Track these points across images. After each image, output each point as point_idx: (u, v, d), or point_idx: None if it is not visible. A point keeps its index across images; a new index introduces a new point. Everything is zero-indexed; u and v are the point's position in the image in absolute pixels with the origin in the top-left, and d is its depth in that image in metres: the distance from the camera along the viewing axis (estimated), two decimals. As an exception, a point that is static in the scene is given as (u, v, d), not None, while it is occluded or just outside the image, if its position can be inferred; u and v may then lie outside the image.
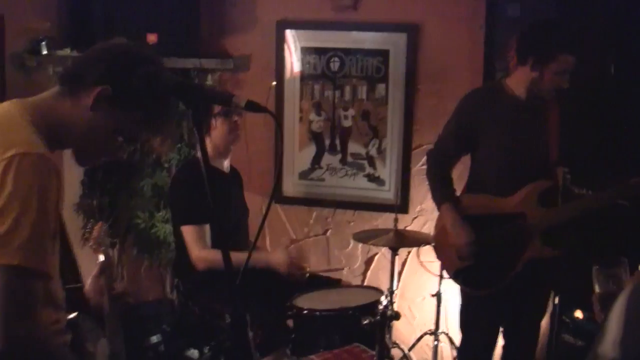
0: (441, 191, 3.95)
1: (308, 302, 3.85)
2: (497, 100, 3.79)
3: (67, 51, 4.55)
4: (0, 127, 1.99)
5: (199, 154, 4.22)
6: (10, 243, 1.83)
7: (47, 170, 1.91)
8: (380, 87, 4.95)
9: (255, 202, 4.64)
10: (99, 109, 2.08)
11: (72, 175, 5.15)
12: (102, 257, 2.83)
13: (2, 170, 1.86)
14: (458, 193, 3.98)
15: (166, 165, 5.17)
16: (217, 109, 4.04)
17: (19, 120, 2.00)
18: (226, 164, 4.31)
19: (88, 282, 2.75)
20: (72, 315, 2.38)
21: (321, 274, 4.55)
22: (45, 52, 4.40)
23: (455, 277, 3.97)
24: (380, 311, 3.20)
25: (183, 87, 2.02)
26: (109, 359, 2.49)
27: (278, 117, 5.11)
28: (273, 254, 4.13)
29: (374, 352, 3.33)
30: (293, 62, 5.09)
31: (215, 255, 3.92)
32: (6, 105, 2.09)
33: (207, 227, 4.01)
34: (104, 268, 2.78)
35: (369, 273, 5.17)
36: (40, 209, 1.87)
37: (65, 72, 2.16)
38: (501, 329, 4.05)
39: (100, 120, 2.10)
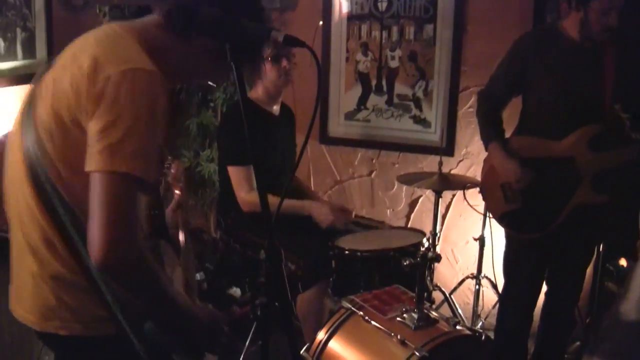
0: (490, 130, 3.88)
1: (350, 242, 3.86)
2: (550, 43, 3.69)
3: (118, -11, 4.54)
4: (110, 44, 2.00)
5: (250, 94, 4.25)
6: (121, 151, 1.84)
7: (160, 88, 1.93)
8: (428, 28, 4.86)
9: (300, 141, 4.62)
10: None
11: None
12: (178, 192, 2.85)
13: (117, 82, 1.87)
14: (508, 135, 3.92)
15: (212, 104, 5.16)
16: (266, 52, 4.00)
17: (128, 39, 2.02)
18: (276, 107, 4.29)
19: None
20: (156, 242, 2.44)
21: (365, 216, 4.53)
22: (91, -11, 4.40)
23: (501, 220, 3.92)
24: (422, 253, 3.16)
25: (220, 22, 1.95)
26: (184, 288, 2.50)
27: (324, 57, 5.08)
28: (317, 208, 4.10)
29: (413, 294, 3.32)
30: (340, 1, 5.01)
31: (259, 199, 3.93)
32: (109, 26, 2.10)
33: (252, 168, 3.98)
34: (181, 203, 2.82)
35: (412, 215, 5.15)
36: (151, 121, 1.89)
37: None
38: (545, 275, 4.00)
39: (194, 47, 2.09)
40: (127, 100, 1.87)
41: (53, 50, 4.29)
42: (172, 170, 2.93)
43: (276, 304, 2.03)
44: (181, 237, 2.69)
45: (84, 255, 1.94)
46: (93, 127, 1.88)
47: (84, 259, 1.96)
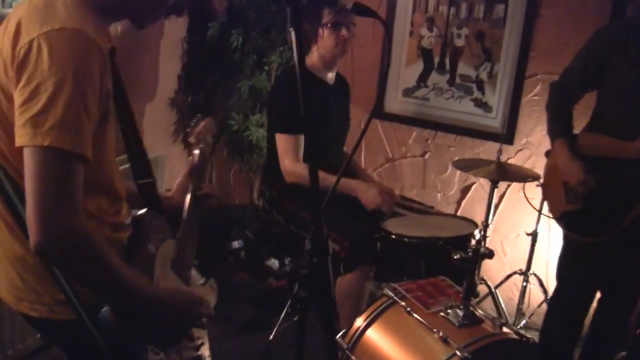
0: (558, 125, 3.67)
1: (398, 226, 3.70)
2: (632, 38, 3.46)
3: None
4: (37, 3, 1.87)
5: (307, 59, 4.09)
6: (43, 124, 1.72)
7: (86, 46, 1.79)
8: (499, 8, 4.62)
9: (354, 115, 4.45)
10: None
11: (169, 69, 5.08)
12: (197, 152, 2.67)
13: (37, 47, 1.75)
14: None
15: (266, 67, 5.01)
16: (325, 18, 3.84)
17: None
18: (331, 76, 4.11)
19: (177, 180, 2.65)
20: (140, 212, 2.27)
21: (415, 198, 4.36)
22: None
23: (559, 219, 3.72)
24: (473, 247, 2.98)
25: None
26: (172, 264, 2.32)
27: (388, 29, 4.88)
28: (364, 190, 3.91)
29: (460, 288, 3.15)
30: (409, -29, 4.81)
31: (306, 172, 3.78)
32: None
33: (301, 137, 3.85)
34: (197, 166, 2.64)
35: (463, 202, 4.96)
36: (76, 88, 1.75)
37: None
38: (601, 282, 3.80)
39: None
40: (48, 65, 1.74)
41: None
42: (198, 128, 2.73)
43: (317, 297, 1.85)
44: (186, 205, 2.52)
45: None
46: (17, 99, 1.77)
47: None
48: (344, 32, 3.89)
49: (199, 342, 2.41)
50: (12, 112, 1.78)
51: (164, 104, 5.11)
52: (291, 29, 1.75)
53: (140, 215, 2.26)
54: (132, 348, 2.04)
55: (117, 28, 4.34)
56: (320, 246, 1.79)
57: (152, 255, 2.21)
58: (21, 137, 1.74)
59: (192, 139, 2.73)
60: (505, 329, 2.98)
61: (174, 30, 5.05)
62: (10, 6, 3.55)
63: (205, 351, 2.47)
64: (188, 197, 2.55)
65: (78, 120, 1.76)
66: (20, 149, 1.75)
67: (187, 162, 2.77)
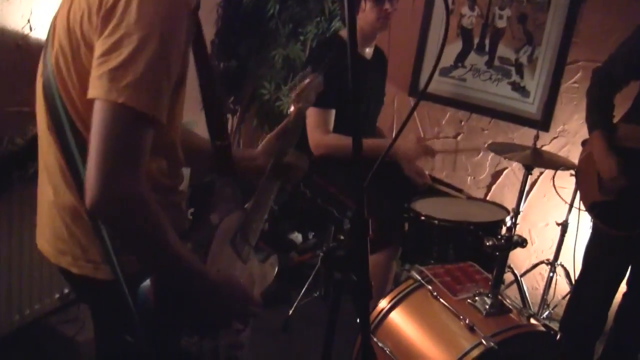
0: (597, 115, 3.57)
1: (427, 207, 3.62)
2: None
3: None
4: None
5: (342, 32, 4.00)
6: (121, 79, 1.62)
7: (177, 6, 1.70)
8: (545, -10, 4.51)
9: (389, 92, 4.36)
10: None
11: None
12: (292, 110, 2.47)
13: None
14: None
15: (302, 38, 4.92)
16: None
17: None
18: (369, 50, 4.01)
19: (266, 137, 2.51)
20: (212, 177, 2.17)
21: (444, 180, 4.28)
22: None
23: (590, 209, 3.64)
24: (506, 235, 2.90)
25: None
26: (232, 238, 2.16)
27: (427, 6, 4.80)
28: (400, 145, 3.84)
29: (488, 275, 3.07)
30: (454, -53, 4.70)
31: (335, 141, 3.72)
32: None
33: (333, 112, 3.77)
34: (289, 127, 2.46)
35: (494, 187, 4.87)
36: (161, 48, 1.65)
37: None
38: (627, 276, 3.72)
39: None
40: (135, 18, 1.64)
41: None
42: (304, 83, 2.54)
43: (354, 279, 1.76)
44: (266, 171, 2.34)
45: None
46: (98, 49, 1.67)
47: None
48: (387, 5, 3.78)
49: (241, 326, 2.23)
50: (90, 60, 1.69)
51: (194, 71, 5.03)
52: None
53: (210, 181, 2.15)
54: (164, 329, 1.93)
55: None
56: (361, 228, 1.70)
57: (213, 226, 2.07)
58: (95, 88, 1.64)
59: (293, 94, 2.52)
60: (532, 321, 2.90)
61: (209, -5, 4.98)
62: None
63: (244, 338, 2.30)
64: (271, 164, 2.37)
65: (157, 81, 1.67)
66: (92, 100, 1.66)
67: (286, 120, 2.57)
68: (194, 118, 4.82)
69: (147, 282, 1.85)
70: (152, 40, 1.64)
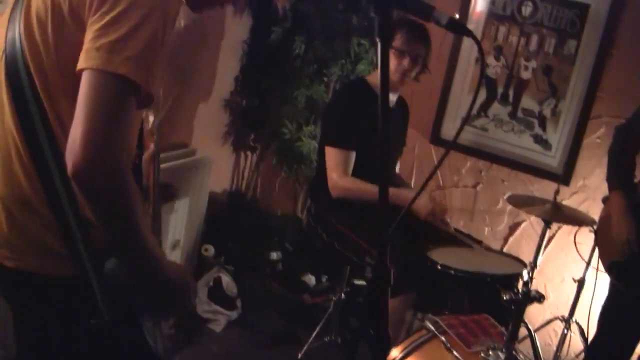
0: (618, 175, 3.55)
1: (444, 256, 3.58)
2: None
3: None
4: None
5: (368, 77, 4.00)
6: (120, 51, 1.65)
7: None
8: (571, 44, 4.49)
9: (410, 138, 4.36)
10: None
11: (227, 70, 5.02)
12: (152, 144, 2.56)
13: None
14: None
15: (325, 79, 4.93)
16: (396, 41, 3.74)
17: None
18: (392, 98, 4.00)
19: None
20: None
21: (462, 229, 4.24)
22: None
23: (609, 269, 3.59)
24: (523, 289, 2.86)
25: None
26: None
27: (452, 53, 4.80)
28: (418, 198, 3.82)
29: (503, 329, 3.03)
30: (482, -3, 4.70)
31: (353, 185, 3.70)
32: None
33: (353, 154, 3.75)
34: (155, 154, 2.52)
35: (511, 239, 4.83)
36: (160, 25, 1.71)
37: None
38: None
39: None
40: None
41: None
42: (147, 125, 2.63)
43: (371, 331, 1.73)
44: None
45: (53, 175, 1.75)
46: (96, 22, 1.69)
47: (53, 180, 1.76)
48: (405, 62, 3.78)
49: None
50: (75, 35, 1.72)
51: (217, 104, 5.05)
52: (378, 40, 1.63)
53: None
54: (133, 308, 1.93)
55: (180, 22, 4.30)
56: (383, 278, 1.67)
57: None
58: (93, 59, 1.65)
59: (145, 134, 2.65)
60: (547, 379, 2.85)
61: (236, 31, 5.00)
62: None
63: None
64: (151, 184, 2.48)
65: (152, 58, 1.70)
66: (70, 74, 1.68)
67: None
68: (213, 153, 4.84)
69: (113, 259, 1.84)
70: (153, 17, 1.68)
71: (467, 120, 1.64)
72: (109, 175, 1.63)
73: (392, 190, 3.70)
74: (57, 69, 1.75)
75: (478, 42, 1.68)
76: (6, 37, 1.84)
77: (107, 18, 1.67)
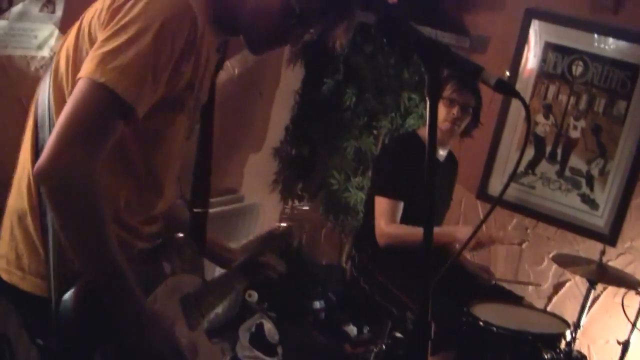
0: None
1: (486, 313, 3.57)
2: None
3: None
4: None
5: (420, 130, 4.06)
6: (108, 62, 1.70)
7: (181, 11, 1.79)
8: (621, 104, 4.49)
9: (456, 192, 4.39)
10: None
11: (278, 119, 5.11)
12: (284, 225, 2.66)
13: None
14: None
15: (375, 131, 4.99)
16: (446, 91, 3.80)
17: None
18: (442, 152, 4.06)
19: (247, 240, 2.60)
20: (179, 235, 2.21)
21: (505, 285, 4.23)
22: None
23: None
24: (565, 349, 2.85)
25: (428, 43, 1.70)
26: (184, 298, 2.14)
27: (502, 110, 4.83)
28: (461, 228, 3.87)
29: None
30: (532, 55, 4.73)
31: (399, 230, 3.75)
32: None
33: (401, 204, 3.81)
34: (274, 237, 2.61)
35: (555, 298, 4.79)
36: (153, 42, 1.73)
37: None
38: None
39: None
40: (138, 12, 1.75)
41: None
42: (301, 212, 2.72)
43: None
44: (237, 260, 2.49)
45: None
46: (99, 38, 1.77)
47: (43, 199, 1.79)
48: (455, 111, 3.83)
49: None
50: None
51: (267, 152, 5.13)
52: (427, 97, 1.71)
53: (175, 236, 2.18)
54: (79, 341, 1.85)
55: (234, 70, 4.40)
56: (423, 331, 1.69)
57: (162, 274, 2.08)
58: (84, 69, 1.73)
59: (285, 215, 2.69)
60: None
61: (289, 81, 5.09)
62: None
63: None
64: (243, 257, 2.49)
65: (142, 73, 1.72)
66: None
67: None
68: (261, 200, 4.91)
69: (72, 291, 1.81)
70: (148, 34, 1.72)
71: (512, 177, 1.65)
72: (68, 176, 1.67)
73: (437, 229, 3.74)
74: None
75: (525, 104, 1.71)
76: (39, 97, 1.93)
77: (109, 32, 1.74)
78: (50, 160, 1.64)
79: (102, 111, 1.71)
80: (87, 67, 1.71)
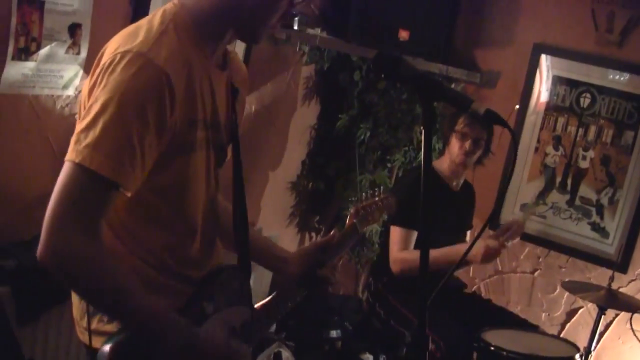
0: None
1: (498, 338, 3.64)
2: None
3: (317, 31, 4.56)
4: (133, 29, 1.88)
5: (434, 161, 4.16)
6: (82, 141, 1.73)
7: (144, 73, 1.77)
8: (628, 134, 4.60)
9: (477, 226, 4.47)
10: None
11: (294, 153, 5.22)
12: (348, 223, 2.54)
13: (105, 67, 1.79)
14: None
15: (389, 165, 5.11)
16: (458, 125, 3.94)
17: (154, 23, 1.89)
18: (456, 183, 4.20)
19: (306, 245, 2.59)
20: (219, 267, 2.20)
21: (518, 313, 4.31)
22: (296, 27, 4.41)
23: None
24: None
25: (422, 79, 1.80)
26: (232, 329, 2.07)
27: (515, 141, 4.90)
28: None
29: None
30: (542, 89, 4.84)
31: (410, 254, 3.84)
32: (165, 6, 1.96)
33: (415, 233, 3.92)
34: (336, 241, 2.51)
35: (568, 325, 4.86)
36: (117, 112, 1.74)
37: None
38: None
39: None
40: (104, 84, 1.76)
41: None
42: (369, 199, 2.66)
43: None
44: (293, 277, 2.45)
45: None
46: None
47: None
48: (467, 145, 3.96)
49: None
50: None
51: (284, 186, 5.24)
52: (422, 128, 1.79)
53: (214, 272, 2.16)
54: None
55: (251, 107, 4.54)
56: (421, 344, 1.79)
57: (204, 314, 2.06)
58: (67, 153, 1.77)
59: (353, 209, 2.62)
60: None
61: (305, 117, 5.22)
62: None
63: None
64: (303, 272, 2.41)
65: (115, 145, 1.74)
66: None
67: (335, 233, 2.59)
68: (279, 233, 5.02)
69: (107, 346, 1.88)
70: (111, 104, 1.73)
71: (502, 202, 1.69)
72: (65, 257, 1.73)
73: (449, 248, 3.82)
74: None
75: (512, 132, 1.84)
76: None
77: (85, 110, 1.79)
78: (45, 246, 1.72)
79: (84, 190, 1.74)
80: (69, 150, 1.75)
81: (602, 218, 4.70)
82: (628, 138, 4.60)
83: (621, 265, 4.52)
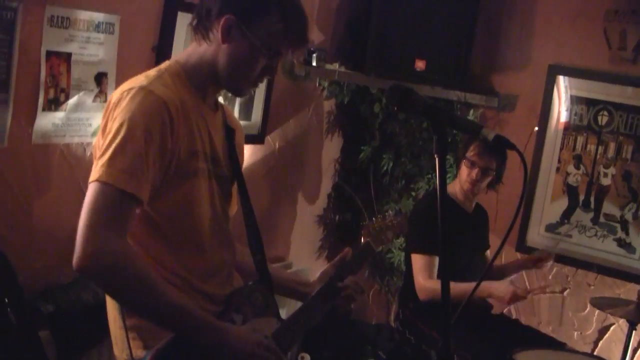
0: None
1: (530, 359, 3.67)
2: None
3: (335, 65, 4.64)
4: (141, 75, 2.19)
5: (449, 188, 4.21)
6: (101, 161, 2.00)
7: (148, 100, 2.05)
8: (648, 149, 4.65)
9: (494, 245, 4.50)
10: (230, 40, 2.17)
11: (320, 187, 5.28)
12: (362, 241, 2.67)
13: (114, 103, 2.09)
14: None
15: (413, 193, 5.16)
16: (469, 152, 4.01)
17: (151, 73, 2.19)
18: (469, 205, 4.26)
19: (324, 268, 2.72)
20: (248, 284, 2.41)
21: (547, 333, 4.33)
22: (314, 63, 4.50)
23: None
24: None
25: (432, 109, 1.92)
26: (264, 337, 2.26)
27: (534, 164, 4.96)
28: (497, 284, 3.99)
29: None
30: (560, 110, 4.90)
31: (438, 285, 3.86)
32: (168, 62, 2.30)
33: (437, 259, 3.95)
34: (350, 258, 2.65)
35: (601, 343, 4.86)
36: (129, 133, 2.01)
37: (192, 17, 2.25)
38: None
39: (236, 48, 2.18)
40: (115, 114, 2.04)
41: (268, 113, 4.42)
42: (381, 220, 2.78)
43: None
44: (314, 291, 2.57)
45: None
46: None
47: None
48: (474, 173, 4.03)
49: None
50: None
51: (312, 220, 5.31)
52: (435, 155, 1.89)
53: (238, 288, 2.37)
54: None
55: (275, 144, 4.63)
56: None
57: (236, 323, 2.26)
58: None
59: (364, 229, 2.76)
60: None
61: (329, 150, 5.29)
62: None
63: None
64: (321, 286, 2.54)
65: (129, 161, 2.00)
66: None
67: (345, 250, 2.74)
68: (309, 266, 5.08)
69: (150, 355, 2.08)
70: (123, 127, 2.01)
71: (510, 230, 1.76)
72: (102, 262, 1.94)
73: (468, 285, 3.87)
74: None
75: (521, 155, 1.90)
76: None
77: (101, 142, 2.07)
78: (81, 250, 1.94)
79: (107, 200, 1.97)
80: (91, 175, 2.02)
81: (627, 234, 4.73)
82: (648, 153, 4.64)
83: (649, 279, 4.54)
